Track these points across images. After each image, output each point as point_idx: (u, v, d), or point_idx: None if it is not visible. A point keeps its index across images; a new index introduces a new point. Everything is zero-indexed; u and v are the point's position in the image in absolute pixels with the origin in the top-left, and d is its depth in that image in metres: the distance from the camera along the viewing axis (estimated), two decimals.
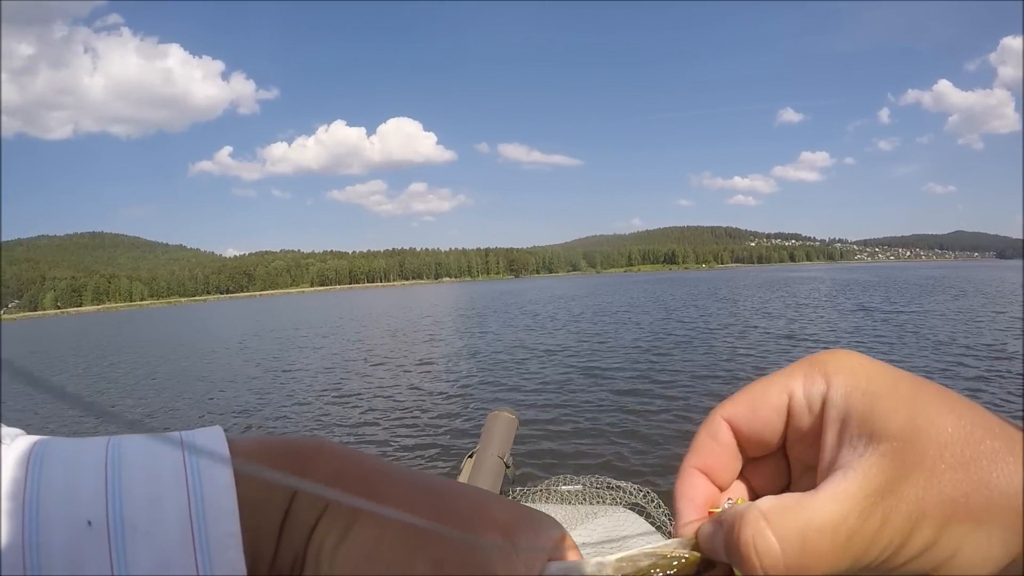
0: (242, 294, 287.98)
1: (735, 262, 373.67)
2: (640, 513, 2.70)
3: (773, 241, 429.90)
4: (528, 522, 0.36)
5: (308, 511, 0.33)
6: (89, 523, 0.29)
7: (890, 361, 0.32)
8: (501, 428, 2.81)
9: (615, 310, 27.27)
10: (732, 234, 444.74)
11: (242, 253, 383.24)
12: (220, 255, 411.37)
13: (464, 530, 0.32)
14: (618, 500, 2.89)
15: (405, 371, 13.04)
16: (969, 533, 0.28)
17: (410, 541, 0.31)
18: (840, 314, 20.18)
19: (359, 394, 10.68)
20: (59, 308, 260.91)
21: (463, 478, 2.58)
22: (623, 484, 2.95)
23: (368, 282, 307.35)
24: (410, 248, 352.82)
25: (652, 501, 2.81)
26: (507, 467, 2.69)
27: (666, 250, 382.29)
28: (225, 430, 0.35)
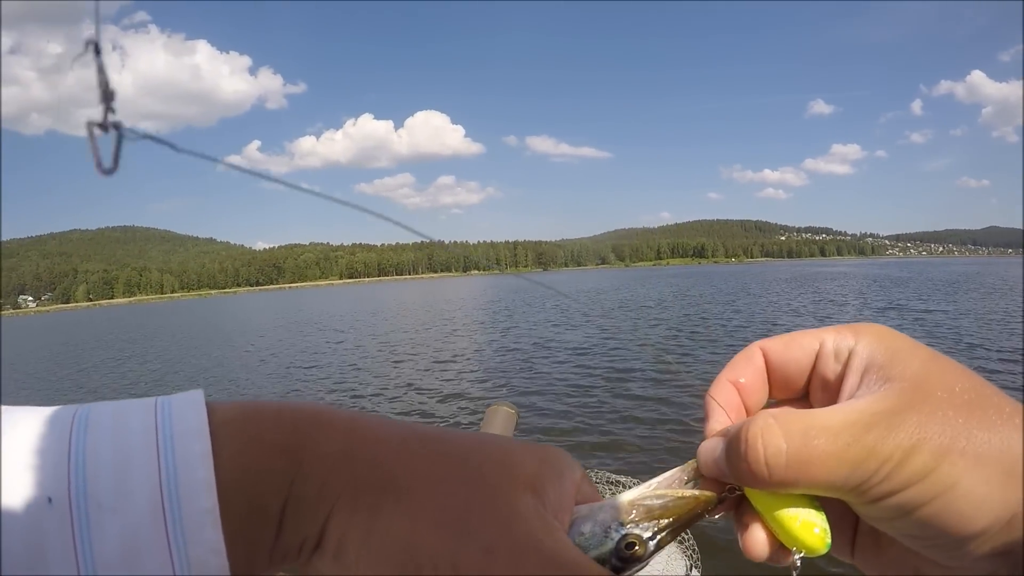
0: (272, 286, 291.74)
1: (765, 256, 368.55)
2: None
3: (803, 235, 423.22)
4: (552, 469, 0.34)
5: (319, 495, 0.30)
6: (50, 500, 0.26)
7: None
8: (501, 422, 2.79)
9: (639, 305, 27.08)
10: (762, 228, 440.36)
11: (272, 246, 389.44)
12: (250, 248, 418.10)
13: (500, 500, 0.30)
14: (618, 495, 2.86)
15: (418, 364, 13.06)
16: (969, 469, 0.29)
17: (450, 528, 0.29)
18: (872, 313, 19.80)
19: (369, 386, 10.72)
20: (91, 300, 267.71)
21: None
22: (623, 479, 2.92)
23: (397, 275, 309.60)
24: (438, 241, 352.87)
25: None
26: None
27: (695, 244, 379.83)
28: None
